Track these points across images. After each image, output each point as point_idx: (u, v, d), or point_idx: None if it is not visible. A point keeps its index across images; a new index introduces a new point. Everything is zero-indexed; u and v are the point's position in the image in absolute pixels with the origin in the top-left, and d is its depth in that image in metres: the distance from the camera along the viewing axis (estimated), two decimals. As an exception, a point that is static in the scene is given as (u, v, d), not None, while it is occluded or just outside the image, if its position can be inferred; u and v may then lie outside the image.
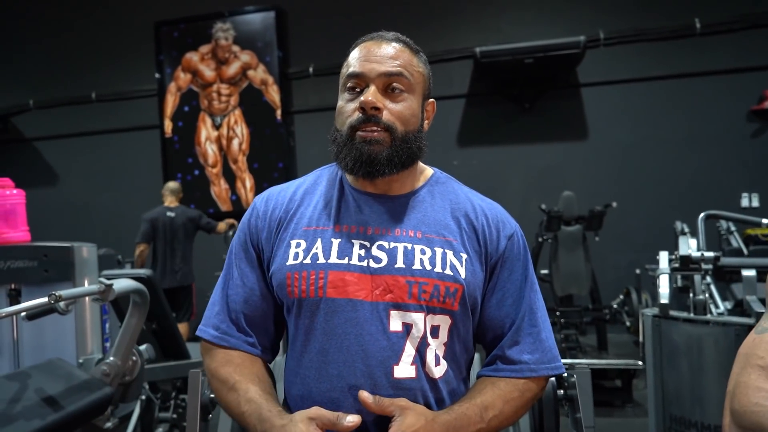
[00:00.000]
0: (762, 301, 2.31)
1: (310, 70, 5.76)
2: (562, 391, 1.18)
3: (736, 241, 4.12)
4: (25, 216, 2.24)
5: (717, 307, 2.74)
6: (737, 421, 0.85)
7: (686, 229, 3.83)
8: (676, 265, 2.51)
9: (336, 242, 1.02)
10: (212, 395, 1.14)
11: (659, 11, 5.07)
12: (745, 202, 4.96)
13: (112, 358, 1.71)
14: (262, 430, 0.93)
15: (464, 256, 1.02)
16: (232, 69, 5.93)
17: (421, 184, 1.10)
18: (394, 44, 1.04)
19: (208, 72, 5.99)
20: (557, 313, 4.24)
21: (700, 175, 5.02)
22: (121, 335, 1.74)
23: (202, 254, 5.09)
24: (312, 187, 1.11)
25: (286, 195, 1.11)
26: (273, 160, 5.88)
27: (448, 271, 1.00)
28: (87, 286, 1.57)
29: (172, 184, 4.92)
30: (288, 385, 1.06)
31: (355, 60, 1.03)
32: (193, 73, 6.03)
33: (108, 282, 1.51)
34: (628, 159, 5.19)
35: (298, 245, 1.03)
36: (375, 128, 0.99)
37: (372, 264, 0.99)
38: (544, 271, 4.60)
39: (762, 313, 0.91)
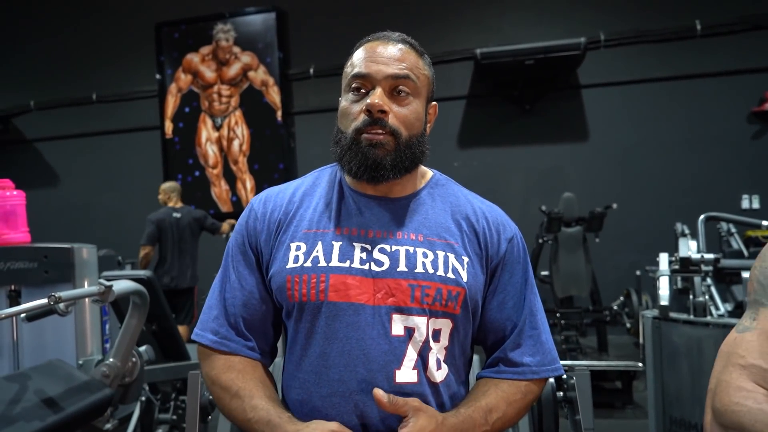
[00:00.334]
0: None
1: (311, 71, 5.76)
2: (561, 393, 1.18)
3: (736, 243, 4.12)
4: (26, 217, 2.24)
5: (717, 308, 2.74)
6: (718, 419, 0.86)
7: (687, 231, 3.83)
8: (676, 266, 2.51)
9: (337, 245, 1.00)
10: (211, 396, 1.14)
11: (660, 13, 5.07)
12: (745, 204, 4.96)
13: (111, 360, 1.71)
14: None
15: (466, 259, 1.02)
16: (233, 70, 5.94)
17: (421, 187, 1.09)
18: (400, 45, 1.02)
19: (208, 73, 5.99)
20: (557, 315, 4.24)
21: (700, 176, 5.02)
22: (120, 336, 1.74)
23: (204, 255, 5.10)
24: (311, 189, 1.10)
25: (284, 197, 1.09)
26: (273, 161, 5.88)
27: (450, 275, 0.99)
28: (87, 288, 1.57)
29: (175, 185, 4.88)
30: (286, 390, 1.05)
31: (360, 60, 1.01)
32: (193, 74, 6.04)
33: (108, 283, 1.51)
34: (628, 160, 5.19)
35: (298, 248, 1.01)
36: (380, 131, 0.98)
37: (374, 267, 0.98)
38: (545, 273, 4.60)
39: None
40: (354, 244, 1.01)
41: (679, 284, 3.27)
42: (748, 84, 4.92)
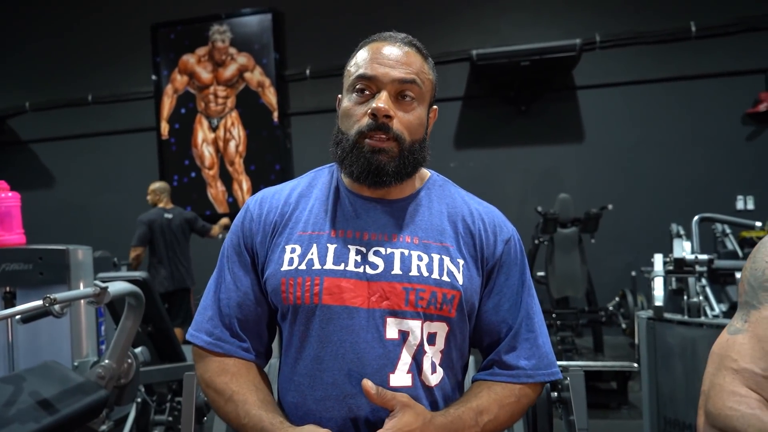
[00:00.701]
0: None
1: (307, 72, 5.76)
2: (555, 394, 1.19)
3: (731, 244, 4.14)
4: (21, 219, 2.24)
5: (712, 309, 2.75)
6: (711, 422, 0.87)
7: (682, 232, 3.85)
8: (671, 267, 2.52)
9: (332, 248, 1.00)
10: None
11: (655, 14, 5.09)
12: (740, 205, 4.98)
13: (107, 361, 1.71)
14: None
15: (461, 261, 1.01)
16: (229, 71, 5.93)
17: (418, 188, 1.09)
18: (406, 48, 1.01)
19: (204, 74, 5.99)
20: (553, 315, 4.25)
21: (695, 177, 5.04)
22: (116, 338, 1.73)
23: (198, 257, 5.09)
24: (307, 190, 1.09)
25: (280, 198, 1.08)
26: (270, 162, 5.88)
27: (445, 278, 0.98)
28: (82, 289, 1.56)
29: (165, 185, 4.82)
30: (282, 392, 1.04)
31: (365, 61, 0.99)
32: (189, 75, 6.03)
33: (103, 285, 1.51)
34: (624, 161, 5.21)
35: (293, 250, 1.01)
36: (384, 136, 0.97)
37: (368, 270, 0.98)
38: (541, 273, 4.61)
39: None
40: (349, 246, 1.00)
41: (674, 285, 3.28)
42: (743, 85, 4.94)
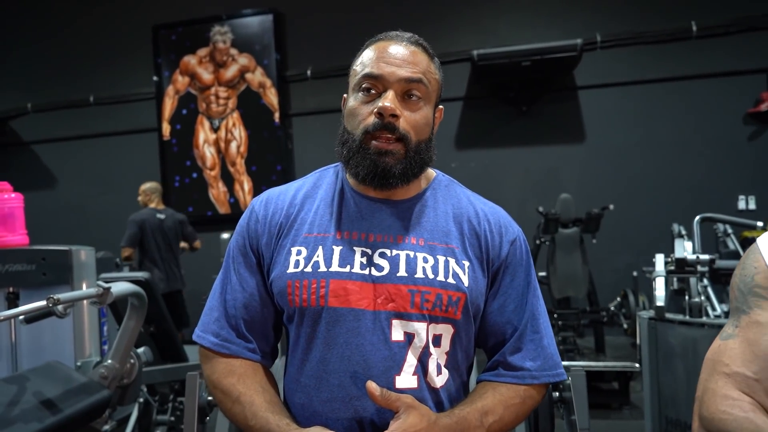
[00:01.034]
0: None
1: (308, 72, 5.77)
2: (557, 394, 1.19)
3: (733, 244, 4.14)
4: (23, 219, 2.24)
5: (714, 309, 2.75)
6: (706, 426, 0.88)
7: (683, 232, 3.85)
8: (672, 267, 2.52)
9: (337, 250, 0.99)
10: (210, 398, 1.14)
11: (656, 14, 5.08)
12: (741, 205, 4.97)
13: (110, 361, 1.71)
14: None
15: (466, 263, 1.01)
16: (230, 72, 5.94)
17: (424, 188, 1.08)
18: (413, 48, 1.00)
19: (206, 75, 5.99)
20: (555, 316, 4.25)
21: (697, 177, 5.03)
22: (119, 338, 1.74)
23: (199, 256, 5.10)
24: (312, 191, 1.09)
25: (285, 199, 1.08)
26: (271, 163, 5.88)
27: (450, 280, 0.98)
28: (85, 290, 1.57)
29: (156, 185, 4.78)
30: (289, 393, 1.04)
31: (371, 60, 0.99)
32: (191, 76, 6.04)
33: (106, 285, 1.52)
34: (625, 161, 5.20)
35: (298, 252, 1.01)
36: (390, 137, 0.97)
37: (374, 272, 0.98)
38: (542, 274, 4.61)
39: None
40: (354, 248, 1.00)
41: (676, 285, 3.29)
42: (744, 85, 4.94)
